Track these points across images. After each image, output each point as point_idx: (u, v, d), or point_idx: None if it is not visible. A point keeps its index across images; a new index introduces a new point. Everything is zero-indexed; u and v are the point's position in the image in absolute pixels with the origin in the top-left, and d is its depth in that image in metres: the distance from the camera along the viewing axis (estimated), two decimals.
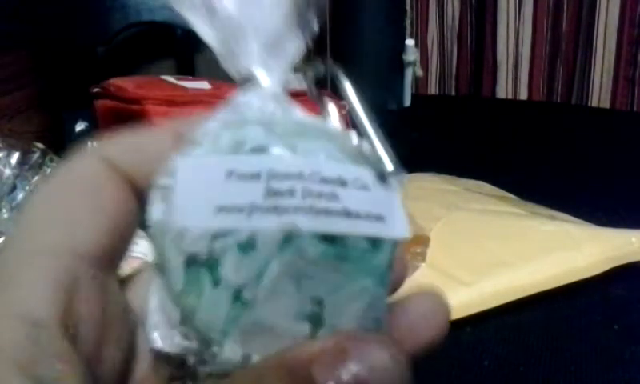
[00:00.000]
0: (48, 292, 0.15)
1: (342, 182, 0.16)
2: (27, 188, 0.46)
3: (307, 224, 0.15)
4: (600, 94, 1.19)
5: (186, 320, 0.15)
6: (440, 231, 0.50)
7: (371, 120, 0.18)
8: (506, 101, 1.27)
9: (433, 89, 1.39)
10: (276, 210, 0.15)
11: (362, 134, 0.18)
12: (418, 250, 0.50)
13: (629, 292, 0.46)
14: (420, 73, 1.08)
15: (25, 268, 0.15)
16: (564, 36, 1.22)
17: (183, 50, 1.19)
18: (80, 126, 0.76)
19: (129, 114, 0.84)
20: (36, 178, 0.47)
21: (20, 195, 0.46)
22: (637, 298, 0.46)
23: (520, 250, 0.48)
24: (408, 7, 1.21)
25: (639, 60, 1.14)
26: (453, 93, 1.37)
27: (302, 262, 0.15)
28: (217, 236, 0.15)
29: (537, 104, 1.25)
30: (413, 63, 1.04)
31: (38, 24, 0.97)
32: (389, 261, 0.16)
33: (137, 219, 0.18)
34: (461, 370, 0.37)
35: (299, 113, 0.18)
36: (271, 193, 0.15)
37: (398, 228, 0.17)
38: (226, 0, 0.17)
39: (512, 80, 1.28)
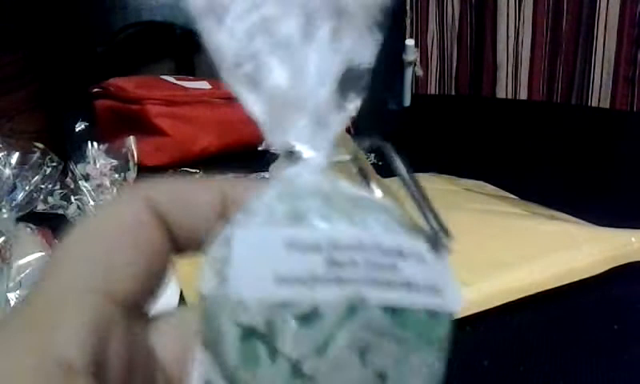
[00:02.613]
0: (83, 336, 0.15)
1: (401, 253, 0.16)
2: (27, 188, 0.46)
3: (373, 295, 0.15)
4: (600, 94, 1.19)
5: None
6: None
7: (421, 191, 0.18)
8: (506, 101, 1.28)
9: (433, 89, 1.39)
10: (338, 280, 0.15)
11: (414, 204, 0.18)
12: None
13: (629, 292, 0.46)
14: (420, 73, 1.08)
15: (62, 309, 0.15)
16: (564, 36, 1.22)
17: (183, 49, 1.19)
18: (80, 126, 0.76)
19: (129, 114, 0.84)
20: (36, 177, 0.47)
21: (20, 195, 0.46)
22: (637, 298, 0.45)
23: (520, 250, 0.48)
24: (408, 7, 1.21)
25: (639, 60, 1.14)
26: (453, 93, 1.37)
27: (368, 334, 0.15)
28: (276, 307, 0.14)
29: (537, 104, 1.25)
30: (413, 63, 1.04)
31: (38, 24, 0.97)
32: (446, 333, 0.16)
33: (169, 267, 0.18)
34: (461, 369, 0.37)
35: (347, 185, 0.17)
36: (333, 264, 0.15)
37: (453, 300, 0.17)
38: (274, 73, 0.17)
39: (512, 80, 1.28)
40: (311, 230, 0.15)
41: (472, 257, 0.47)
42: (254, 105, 0.18)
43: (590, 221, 0.54)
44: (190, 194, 0.18)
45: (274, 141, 0.18)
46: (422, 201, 0.18)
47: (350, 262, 0.15)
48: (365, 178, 0.19)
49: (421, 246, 0.17)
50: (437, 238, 0.17)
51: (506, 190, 0.67)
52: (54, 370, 0.14)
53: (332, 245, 0.15)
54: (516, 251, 0.47)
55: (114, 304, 0.16)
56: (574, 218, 0.56)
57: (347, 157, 0.19)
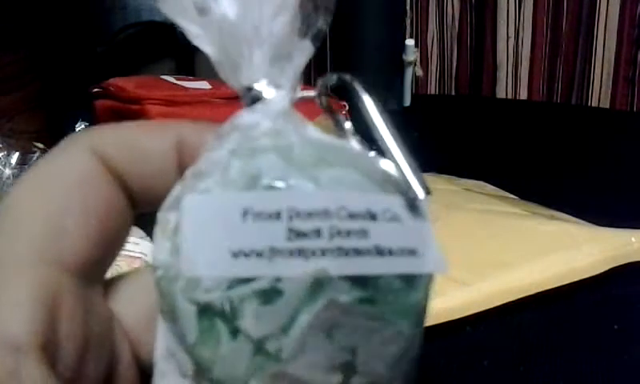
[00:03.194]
0: (30, 313, 0.13)
1: (372, 216, 0.14)
2: None
3: (338, 268, 0.13)
4: (600, 94, 1.18)
5: (202, 373, 0.14)
6: (440, 231, 0.50)
7: (396, 138, 0.16)
8: (506, 101, 1.27)
9: (433, 89, 1.39)
10: (301, 253, 0.13)
11: (385, 154, 0.16)
12: None
13: (629, 292, 0.46)
14: (420, 73, 1.08)
15: (6, 282, 0.13)
16: (564, 36, 1.22)
17: (183, 50, 1.19)
18: (80, 126, 0.76)
19: (129, 114, 0.84)
20: None
21: None
22: (637, 298, 0.46)
23: (520, 250, 0.48)
24: (408, 7, 1.21)
25: (639, 60, 1.14)
26: (453, 93, 1.37)
27: (334, 311, 0.13)
28: (234, 284, 0.13)
29: (537, 104, 1.25)
30: (413, 63, 1.04)
31: (38, 24, 0.97)
32: (424, 298, 0.15)
33: (128, 224, 0.16)
34: (461, 370, 0.37)
35: (313, 131, 0.15)
36: (294, 234, 0.13)
37: (432, 261, 0.15)
38: (224, 3, 0.15)
39: (512, 80, 1.28)
40: (269, 195, 0.14)
41: (472, 257, 0.47)
42: (202, 39, 0.16)
43: (590, 221, 0.54)
44: (143, 141, 0.16)
45: (228, 80, 0.16)
46: (397, 148, 0.15)
47: (313, 230, 0.13)
48: (334, 117, 0.17)
49: (395, 203, 0.15)
50: (413, 192, 0.15)
51: (506, 190, 0.67)
52: None
53: (292, 212, 0.13)
54: (516, 251, 0.47)
55: (66, 272, 0.14)
56: (574, 218, 0.56)
57: (312, 94, 0.17)
